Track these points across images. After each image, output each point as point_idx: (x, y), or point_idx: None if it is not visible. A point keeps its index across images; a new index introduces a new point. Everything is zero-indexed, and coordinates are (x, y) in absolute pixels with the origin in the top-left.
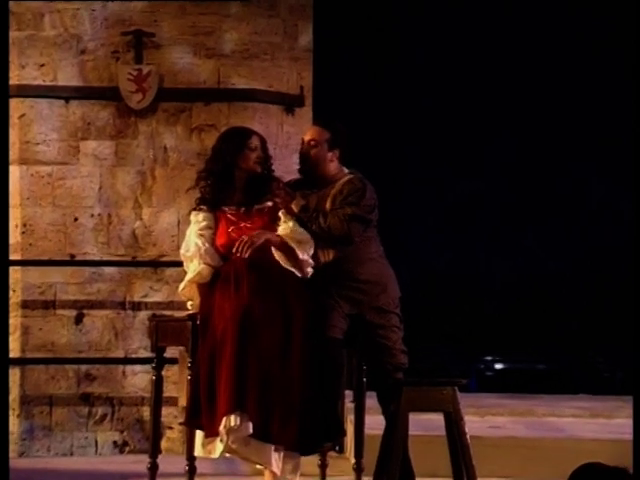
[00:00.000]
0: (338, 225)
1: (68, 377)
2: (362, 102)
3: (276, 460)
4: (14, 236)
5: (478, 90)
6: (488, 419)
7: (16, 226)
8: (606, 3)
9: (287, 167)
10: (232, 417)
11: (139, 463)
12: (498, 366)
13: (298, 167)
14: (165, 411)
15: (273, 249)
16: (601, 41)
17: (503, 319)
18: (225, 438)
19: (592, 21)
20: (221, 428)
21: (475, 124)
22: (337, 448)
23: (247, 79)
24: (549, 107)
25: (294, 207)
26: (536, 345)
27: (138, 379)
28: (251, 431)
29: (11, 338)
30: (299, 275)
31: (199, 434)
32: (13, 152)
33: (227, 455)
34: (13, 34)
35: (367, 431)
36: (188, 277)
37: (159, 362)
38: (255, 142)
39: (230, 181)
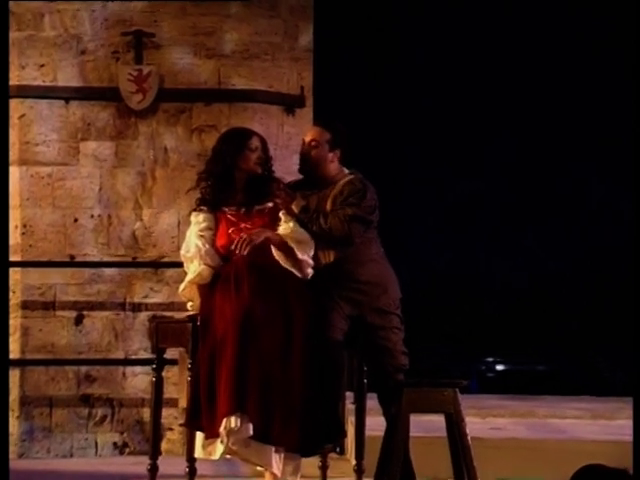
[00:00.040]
0: (339, 226)
1: (68, 378)
2: (362, 102)
3: (277, 461)
4: (14, 237)
5: (478, 90)
6: (489, 420)
7: (16, 227)
8: (606, 3)
9: (287, 168)
10: (232, 418)
11: (139, 464)
12: (499, 367)
13: (298, 167)
14: (165, 412)
15: (272, 248)
16: (601, 41)
17: (503, 319)
18: (225, 439)
19: (592, 21)
20: (221, 429)
21: (475, 124)
22: (338, 449)
23: (247, 79)
24: (549, 107)
25: (294, 208)
26: (536, 345)
27: (138, 380)
28: (251, 432)
29: (11, 339)
30: (299, 275)
31: (199, 435)
32: (13, 153)
33: (227, 457)
34: (13, 34)
35: (368, 432)
36: (188, 278)
37: (159, 363)
38: (255, 143)
39: (230, 182)
